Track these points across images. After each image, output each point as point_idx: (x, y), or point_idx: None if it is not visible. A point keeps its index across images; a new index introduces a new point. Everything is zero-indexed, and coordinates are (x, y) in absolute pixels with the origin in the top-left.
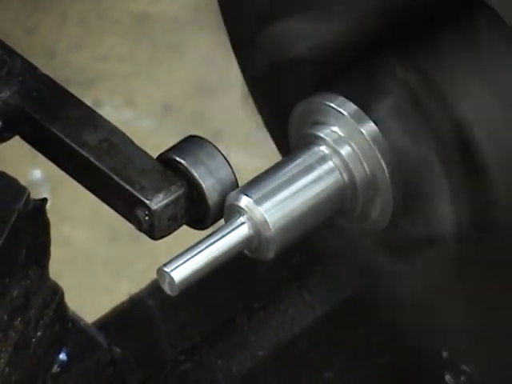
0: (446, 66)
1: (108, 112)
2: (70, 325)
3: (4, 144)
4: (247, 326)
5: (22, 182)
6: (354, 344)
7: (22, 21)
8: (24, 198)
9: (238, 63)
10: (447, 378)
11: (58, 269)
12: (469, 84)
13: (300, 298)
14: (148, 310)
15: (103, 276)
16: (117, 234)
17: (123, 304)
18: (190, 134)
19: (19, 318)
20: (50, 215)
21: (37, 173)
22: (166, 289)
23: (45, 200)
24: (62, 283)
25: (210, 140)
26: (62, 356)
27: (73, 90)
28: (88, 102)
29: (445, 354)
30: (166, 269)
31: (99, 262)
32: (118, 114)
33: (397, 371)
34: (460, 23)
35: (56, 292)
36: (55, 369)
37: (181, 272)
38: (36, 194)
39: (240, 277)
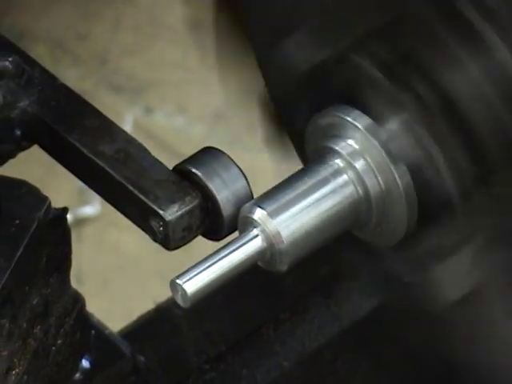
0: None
1: (159, 118)
2: (93, 333)
3: None
4: (273, 336)
5: (73, 188)
6: (379, 355)
7: (74, 27)
8: (45, 207)
9: (262, 75)
10: None
11: (108, 275)
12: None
13: (326, 309)
14: (174, 318)
15: (152, 283)
16: None
17: (149, 312)
18: (241, 141)
19: (39, 326)
20: (100, 221)
21: None
22: (179, 301)
23: (65, 209)
24: (111, 289)
25: (262, 147)
26: (85, 364)
27: (124, 97)
28: (139, 108)
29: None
30: (178, 281)
31: (148, 269)
32: (170, 121)
33: (422, 382)
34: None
35: (77, 300)
36: (78, 376)
37: (193, 284)
38: (86, 200)
39: (266, 287)
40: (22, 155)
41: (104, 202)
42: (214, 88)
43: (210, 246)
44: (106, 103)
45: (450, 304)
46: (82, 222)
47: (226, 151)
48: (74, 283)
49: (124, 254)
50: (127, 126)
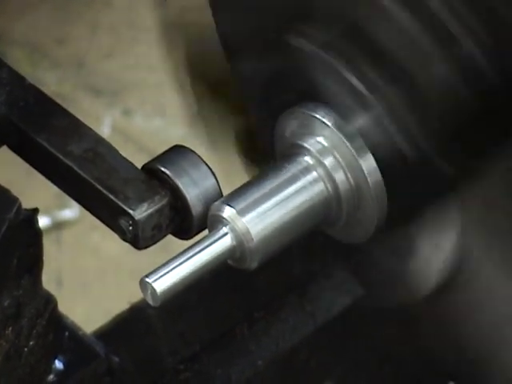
0: None
1: (138, 121)
2: (66, 334)
3: None
4: (247, 335)
5: (52, 191)
6: (354, 354)
7: (52, 30)
8: (15, 208)
9: (231, 70)
10: None
11: (88, 278)
12: None
13: (300, 308)
14: (148, 318)
15: (132, 286)
16: None
17: (123, 313)
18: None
19: (10, 328)
20: (79, 225)
21: None
22: (149, 299)
23: (36, 210)
24: (91, 292)
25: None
26: (59, 365)
27: (103, 99)
28: (118, 110)
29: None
30: (148, 279)
31: (128, 272)
32: (148, 123)
33: (399, 381)
34: None
35: (49, 301)
36: (51, 378)
37: (163, 283)
38: (65, 204)
39: (241, 286)
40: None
41: None
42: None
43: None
44: (85, 106)
45: (425, 297)
46: (60, 225)
47: (203, 153)
48: (53, 286)
49: (103, 257)
50: (106, 129)
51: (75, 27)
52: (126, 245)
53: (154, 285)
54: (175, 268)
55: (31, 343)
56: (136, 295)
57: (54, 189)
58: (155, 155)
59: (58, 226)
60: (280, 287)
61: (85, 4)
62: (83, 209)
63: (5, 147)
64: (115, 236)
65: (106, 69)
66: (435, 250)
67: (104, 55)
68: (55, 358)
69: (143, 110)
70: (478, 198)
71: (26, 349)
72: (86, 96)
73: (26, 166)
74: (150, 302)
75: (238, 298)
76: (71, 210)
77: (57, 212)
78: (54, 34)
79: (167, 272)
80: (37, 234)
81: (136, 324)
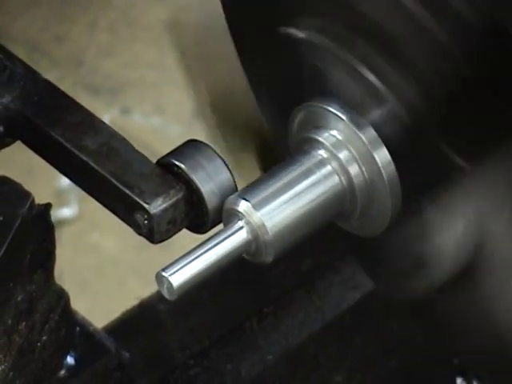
0: None
1: (137, 119)
2: (78, 329)
3: (32, 152)
4: (257, 330)
5: (51, 189)
6: (363, 348)
7: (51, 28)
8: (28, 203)
9: (242, 65)
10: (459, 382)
11: (87, 276)
12: None
13: (309, 303)
14: (158, 314)
15: (132, 283)
16: (145, 241)
17: (133, 308)
18: (219, 141)
19: (24, 323)
20: (78, 223)
21: (65, 180)
22: (165, 293)
23: (49, 205)
24: (90, 290)
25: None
26: (70, 360)
27: (101, 98)
28: (117, 108)
29: (456, 360)
30: (164, 273)
31: (128, 269)
32: (147, 121)
33: (406, 375)
34: None
35: (61, 296)
36: (63, 373)
37: (179, 277)
38: (64, 202)
39: (250, 281)
40: None
41: (82, 203)
42: (190, 88)
43: (188, 244)
44: (84, 104)
45: (436, 290)
46: (60, 223)
47: None
48: None
49: (103, 255)
50: None
51: (74, 26)
52: (126, 242)
53: (170, 279)
54: (191, 262)
55: (44, 338)
56: (135, 292)
57: (53, 187)
58: (154, 153)
59: (57, 224)
60: (289, 282)
61: (83, 2)
62: (82, 207)
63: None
64: (114, 234)
65: (105, 67)
66: (449, 236)
67: (103, 54)
68: (67, 354)
69: (142, 109)
70: (501, 177)
71: (39, 344)
72: (84, 94)
73: (25, 164)
74: (167, 295)
75: (247, 293)
76: (70, 209)
77: (56, 210)
78: (52, 32)
79: (183, 266)
80: (49, 229)
81: (146, 319)
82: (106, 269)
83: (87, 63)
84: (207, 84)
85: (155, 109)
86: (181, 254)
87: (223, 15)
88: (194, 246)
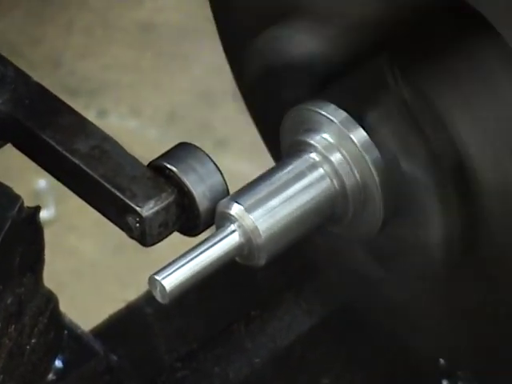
0: (443, 82)
1: (113, 121)
2: (65, 332)
3: (9, 154)
4: (244, 333)
5: (28, 191)
6: (350, 351)
7: (27, 31)
8: (17, 206)
9: (231, 67)
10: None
11: (64, 278)
12: (464, 103)
13: (297, 305)
14: (145, 317)
15: (109, 286)
16: (122, 244)
17: (120, 311)
18: (195, 142)
19: (13, 326)
20: (55, 225)
21: (42, 182)
22: (158, 297)
23: (38, 208)
24: (67, 292)
25: (215, 149)
26: (58, 363)
27: (78, 99)
28: (93, 111)
29: (441, 360)
30: (157, 277)
31: (105, 272)
32: (124, 123)
33: (393, 378)
34: (461, 42)
35: (50, 299)
36: (51, 376)
37: (172, 280)
38: (41, 204)
39: (237, 284)
40: None
41: (59, 205)
42: (167, 90)
43: (167, 249)
44: None
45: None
46: None
47: None
48: None
49: (80, 258)
50: None
51: (50, 28)
52: (103, 246)
53: (163, 282)
54: (184, 265)
55: (33, 341)
56: (112, 295)
57: (30, 189)
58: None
59: None
60: (276, 285)
61: (60, 5)
62: (60, 209)
63: None
64: (92, 236)
65: (82, 69)
66: (445, 218)
67: (79, 56)
68: (56, 357)
69: (118, 111)
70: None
71: (28, 347)
72: (61, 96)
73: (2, 165)
74: (159, 299)
75: (234, 296)
76: (48, 211)
77: None
78: (29, 34)
79: (176, 269)
80: (39, 232)
81: (134, 322)
82: (82, 272)
83: (64, 65)
84: (183, 85)
85: (132, 111)
86: (158, 259)
87: (199, 16)
88: (171, 252)
